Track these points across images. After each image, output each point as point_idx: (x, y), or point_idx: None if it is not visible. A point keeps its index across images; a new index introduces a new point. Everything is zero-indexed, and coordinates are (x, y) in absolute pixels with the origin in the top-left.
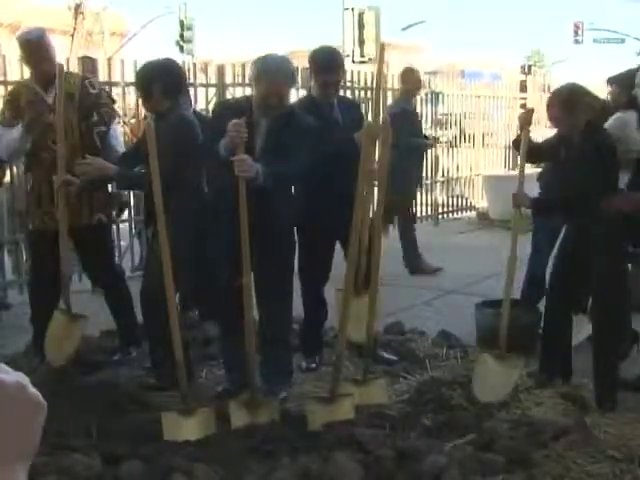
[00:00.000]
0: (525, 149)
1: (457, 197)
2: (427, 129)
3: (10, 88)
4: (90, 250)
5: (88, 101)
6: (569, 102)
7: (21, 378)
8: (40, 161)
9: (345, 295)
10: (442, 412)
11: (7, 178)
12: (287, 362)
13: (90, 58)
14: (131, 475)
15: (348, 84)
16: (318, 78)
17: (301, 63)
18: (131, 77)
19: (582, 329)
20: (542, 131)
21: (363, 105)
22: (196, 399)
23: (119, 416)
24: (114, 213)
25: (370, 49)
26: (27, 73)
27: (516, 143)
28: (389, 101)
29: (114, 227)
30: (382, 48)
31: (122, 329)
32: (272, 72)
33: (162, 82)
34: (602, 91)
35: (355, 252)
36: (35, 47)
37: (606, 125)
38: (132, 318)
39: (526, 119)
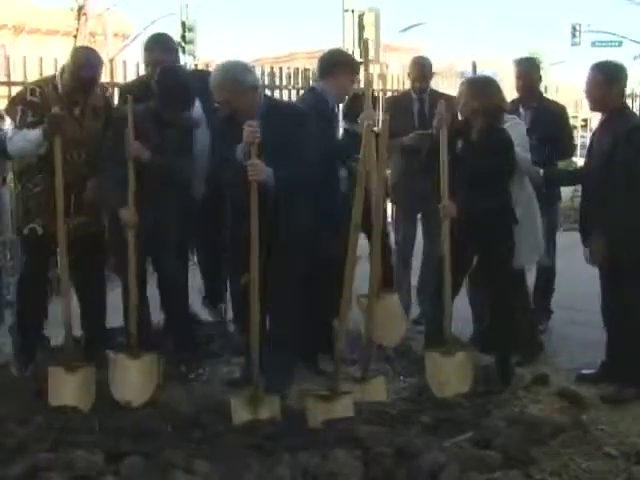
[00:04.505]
0: (445, 151)
1: None
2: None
3: (32, 87)
4: (93, 254)
5: (108, 113)
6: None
7: None
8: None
9: (344, 295)
10: (441, 410)
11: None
12: (287, 361)
13: None
14: (132, 471)
15: None
16: (356, 72)
17: (302, 64)
18: (133, 78)
19: None
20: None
21: None
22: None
23: (121, 413)
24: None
25: (370, 50)
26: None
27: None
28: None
29: None
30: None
31: (102, 332)
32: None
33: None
34: None
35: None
36: (87, 83)
37: None
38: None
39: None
